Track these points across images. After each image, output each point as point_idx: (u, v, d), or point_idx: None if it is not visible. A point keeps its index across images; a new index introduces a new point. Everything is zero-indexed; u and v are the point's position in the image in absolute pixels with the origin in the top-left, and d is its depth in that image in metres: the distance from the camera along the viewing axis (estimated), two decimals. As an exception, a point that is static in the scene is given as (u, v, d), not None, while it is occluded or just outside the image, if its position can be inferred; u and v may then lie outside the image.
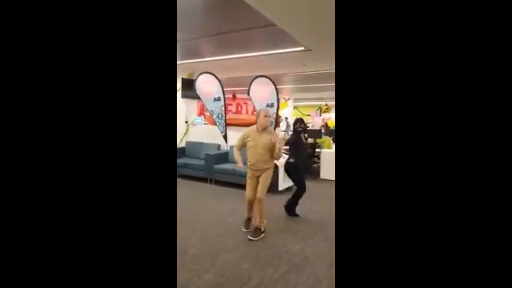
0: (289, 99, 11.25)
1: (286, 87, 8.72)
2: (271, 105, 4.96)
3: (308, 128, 7.58)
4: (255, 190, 3.02)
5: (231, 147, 5.50)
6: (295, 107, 13.86)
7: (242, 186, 3.25)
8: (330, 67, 5.18)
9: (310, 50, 3.97)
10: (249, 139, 2.99)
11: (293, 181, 3.74)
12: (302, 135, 3.70)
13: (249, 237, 2.94)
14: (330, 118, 9.03)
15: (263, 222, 3.03)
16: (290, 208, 3.66)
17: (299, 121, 3.72)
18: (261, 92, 5.02)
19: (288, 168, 3.64)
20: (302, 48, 3.93)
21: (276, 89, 4.89)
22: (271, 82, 4.90)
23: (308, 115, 13.37)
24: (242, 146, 3.08)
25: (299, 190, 3.64)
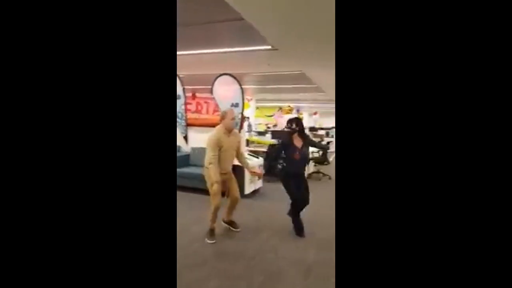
0: (251, 99, 11.15)
1: (249, 87, 8.59)
2: (236, 105, 4.76)
3: (275, 130, 7.46)
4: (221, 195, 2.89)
5: (193, 149, 5.19)
6: (257, 108, 13.85)
7: (205, 191, 2.99)
8: (295, 68, 5.15)
9: (277, 49, 3.86)
10: (222, 144, 2.76)
11: None
12: (295, 136, 3.05)
13: (237, 230, 3.07)
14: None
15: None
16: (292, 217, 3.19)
17: (290, 121, 3.12)
18: (225, 91, 4.79)
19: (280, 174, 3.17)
20: (269, 47, 3.80)
21: (241, 88, 4.72)
22: (236, 81, 4.71)
23: (270, 116, 13.45)
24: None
25: (292, 202, 3.15)
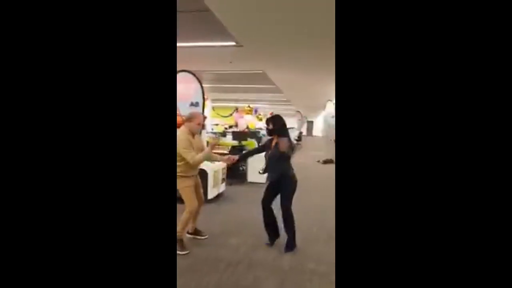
0: (207, 99, 10.79)
1: (205, 86, 8.26)
2: (196, 104, 4.50)
3: (236, 131, 7.21)
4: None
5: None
6: (212, 108, 13.50)
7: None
8: (257, 67, 5.06)
9: (241, 46, 3.71)
10: (192, 145, 2.56)
11: None
12: (275, 137, 2.67)
13: (203, 237, 2.90)
14: (250, 120, 9.02)
15: None
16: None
17: (267, 122, 2.75)
18: (184, 90, 4.48)
19: None
20: (233, 43, 3.63)
21: (202, 87, 4.46)
22: (195, 79, 4.43)
23: (227, 116, 13.21)
24: None
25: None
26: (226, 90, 9.62)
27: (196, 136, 2.71)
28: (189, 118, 2.64)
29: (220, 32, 3.22)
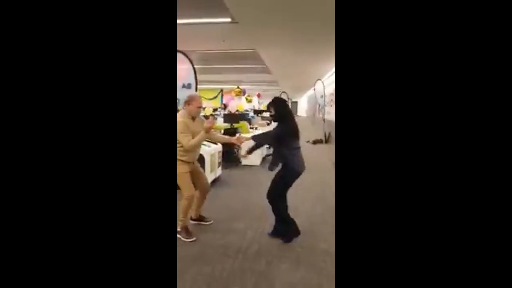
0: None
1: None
2: (188, 86, 4.29)
3: (224, 113, 6.95)
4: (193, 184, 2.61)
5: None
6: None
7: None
8: (249, 45, 4.85)
9: (237, 23, 3.50)
10: (189, 129, 2.44)
11: None
12: (279, 122, 2.47)
13: (208, 223, 2.85)
14: (239, 102, 8.82)
15: None
16: (278, 232, 2.62)
17: (267, 106, 2.64)
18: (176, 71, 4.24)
19: None
20: (228, 20, 3.42)
21: (194, 68, 4.23)
22: (187, 59, 4.19)
23: (211, 99, 12.89)
24: None
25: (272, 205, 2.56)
26: (212, 71, 9.29)
27: (196, 119, 2.58)
28: (188, 101, 2.50)
29: (215, 7, 3.00)
